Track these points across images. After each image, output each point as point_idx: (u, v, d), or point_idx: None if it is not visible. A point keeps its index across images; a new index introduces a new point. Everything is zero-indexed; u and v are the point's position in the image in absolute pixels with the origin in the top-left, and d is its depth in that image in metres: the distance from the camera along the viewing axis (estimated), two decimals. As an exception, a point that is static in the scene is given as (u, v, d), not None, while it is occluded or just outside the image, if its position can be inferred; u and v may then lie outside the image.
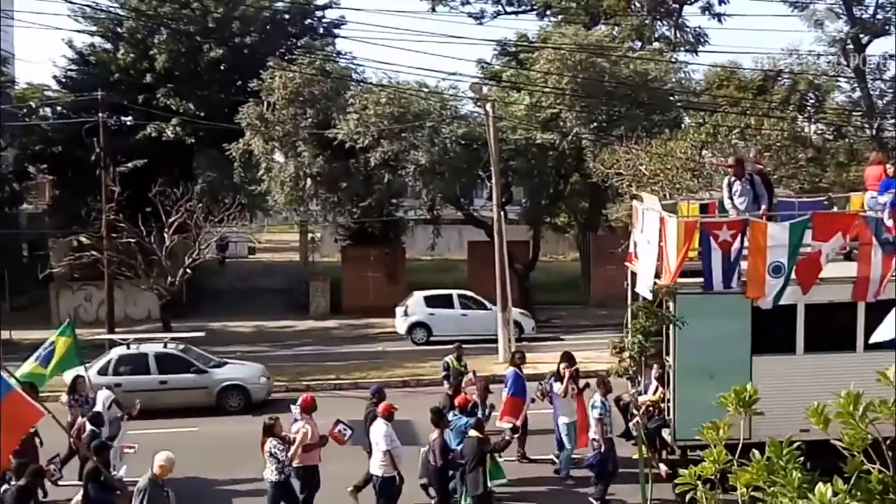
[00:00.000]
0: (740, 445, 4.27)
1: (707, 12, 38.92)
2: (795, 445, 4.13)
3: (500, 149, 28.08)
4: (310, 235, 46.36)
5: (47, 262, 33.69)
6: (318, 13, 40.32)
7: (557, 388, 15.78)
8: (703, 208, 15.25)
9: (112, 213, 25.73)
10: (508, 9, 41.71)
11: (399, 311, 30.16)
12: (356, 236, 38.16)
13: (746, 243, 12.96)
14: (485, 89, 31.42)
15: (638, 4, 39.10)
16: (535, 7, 41.47)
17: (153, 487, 11.00)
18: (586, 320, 32.95)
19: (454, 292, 30.89)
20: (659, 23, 39.69)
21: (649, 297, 13.85)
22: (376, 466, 13.16)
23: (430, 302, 30.34)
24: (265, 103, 31.72)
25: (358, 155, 30.98)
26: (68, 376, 16.70)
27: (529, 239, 37.12)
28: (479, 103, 30.41)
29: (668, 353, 14.19)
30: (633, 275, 15.53)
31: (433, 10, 40.66)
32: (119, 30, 37.72)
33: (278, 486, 12.81)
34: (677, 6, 39.10)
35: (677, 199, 16.00)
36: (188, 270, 26.24)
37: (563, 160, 32.37)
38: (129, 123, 36.65)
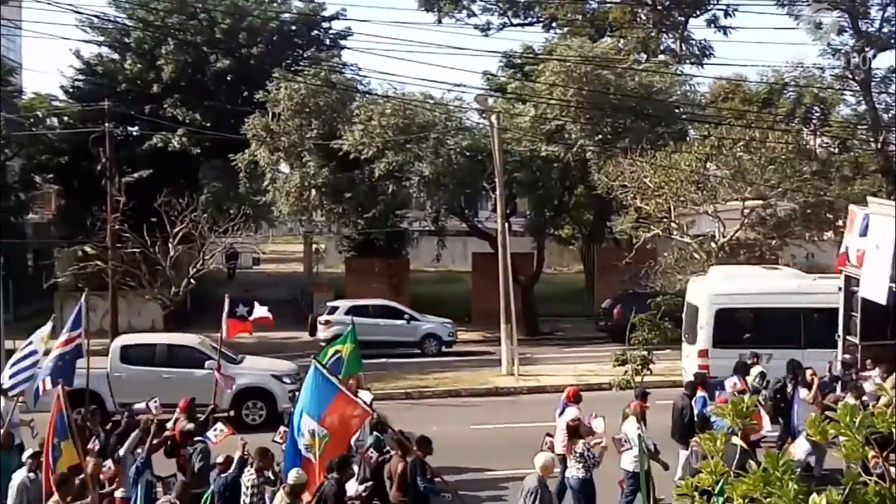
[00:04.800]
0: None
1: (713, 25, 38.90)
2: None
3: (504, 160, 28.09)
4: (314, 246, 46.37)
5: (52, 271, 33.74)
6: (325, 25, 40.45)
7: (804, 394, 15.54)
8: None
9: (117, 223, 25.79)
10: (514, 21, 41.74)
11: None
12: (360, 247, 38.16)
13: None
14: (490, 101, 31.44)
15: (644, 17, 39.13)
16: (541, 19, 41.51)
17: (543, 488, 11.30)
18: (590, 333, 32.86)
19: None
20: (664, 35, 39.69)
21: (882, 301, 14.13)
22: (628, 462, 13.56)
23: None
24: (271, 114, 31.79)
25: (363, 166, 31.01)
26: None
27: (533, 251, 37.08)
28: (484, 115, 30.43)
29: None
30: (849, 279, 15.80)
31: (439, 21, 40.71)
32: (126, 40, 37.86)
33: (587, 483, 13.09)
34: (683, 19, 39.12)
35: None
36: (192, 280, 26.26)
37: (568, 172, 32.38)
38: (135, 134, 36.76)
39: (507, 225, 27.73)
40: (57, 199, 41.45)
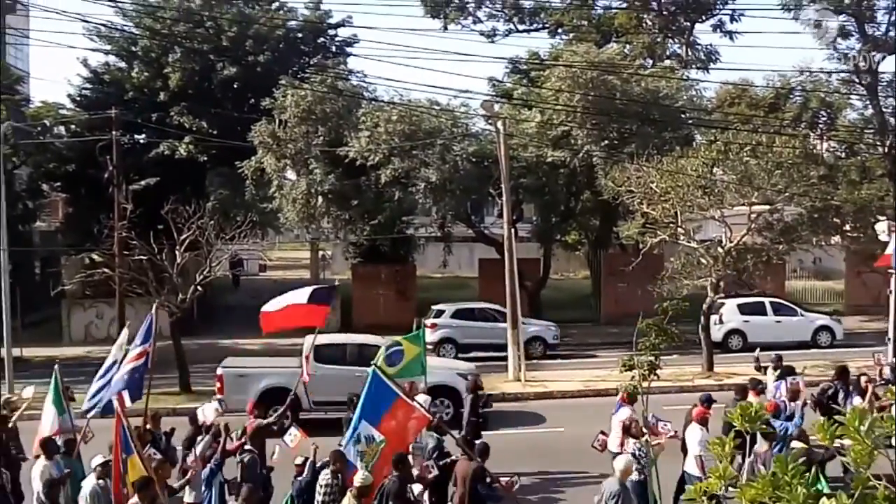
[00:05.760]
0: None
1: (718, 30, 38.98)
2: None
3: (510, 166, 28.08)
4: (321, 253, 46.43)
5: (59, 279, 33.83)
6: (331, 32, 40.54)
7: (858, 401, 15.27)
8: None
9: (124, 230, 25.78)
10: (520, 27, 41.81)
11: (713, 318, 29.23)
12: (367, 254, 38.19)
13: None
14: (496, 107, 31.44)
15: (649, 22, 39.17)
16: (547, 25, 41.57)
17: (624, 491, 11.48)
18: (597, 338, 32.81)
19: (766, 299, 30.64)
20: (670, 41, 39.73)
21: None
22: (692, 466, 13.69)
23: (744, 309, 30.42)
24: (277, 121, 31.85)
25: (369, 172, 31.05)
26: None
27: (540, 256, 37.08)
28: (490, 121, 30.45)
29: None
30: None
31: (445, 28, 40.80)
32: (133, 49, 37.99)
33: (641, 485, 13.06)
34: (689, 24, 39.15)
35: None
36: (199, 288, 26.23)
37: (574, 178, 32.37)
38: (142, 141, 36.88)
39: (513, 231, 27.71)
40: (64, 207, 41.57)
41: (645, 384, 15.64)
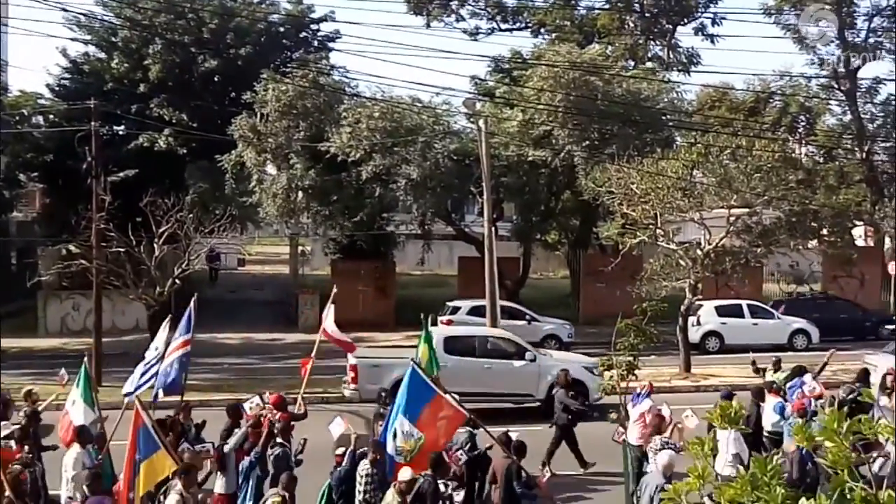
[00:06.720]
0: None
1: (700, 33, 39.18)
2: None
3: (491, 165, 28.08)
4: (300, 248, 46.29)
5: (36, 270, 33.53)
6: (313, 26, 40.42)
7: (886, 401, 15.17)
8: None
9: (102, 222, 25.58)
10: (503, 26, 41.86)
11: (691, 320, 29.17)
12: (346, 250, 38.11)
13: None
14: (478, 105, 31.43)
15: (632, 24, 39.31)
16: (530, 25, 41.63)
17: (669, 485, 11.25)
18: (575, 338, 32.88)
19: (744, 302, 30.79)
20: (652, 43, 39.90)
21: None
22: (721, 466, 13.38)
23: (721, 311, 30.51)
24: (258, 115, 31.73)
25: (350, 168, 30.98)
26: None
27: (520, 255, 37.12)
28: (471, 119, 30.46)
29: None
30: None
31: (428, 25, 40.78)
32: (114, 39, 37.73)
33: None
34: (670, 27, 39.32)
35: None
36: (177, 281, 26.09)
37: (555, 177, 32.44)
38: (121, 133, 36.61)
39: (493, 229, 27.71)
40: (41, 198, 41.21)
41: (623, 384, 15.74)
